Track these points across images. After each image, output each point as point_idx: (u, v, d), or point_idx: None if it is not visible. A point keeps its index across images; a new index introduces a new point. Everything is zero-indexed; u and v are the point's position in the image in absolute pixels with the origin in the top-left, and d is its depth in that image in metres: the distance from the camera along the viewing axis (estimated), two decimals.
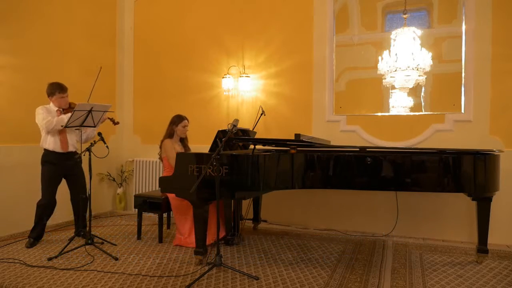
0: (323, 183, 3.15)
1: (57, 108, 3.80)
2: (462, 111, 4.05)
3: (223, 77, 4.92)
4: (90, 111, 3.57)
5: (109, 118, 3.96)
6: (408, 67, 4.01)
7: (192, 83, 5.27)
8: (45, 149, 3.78)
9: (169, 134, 3.97)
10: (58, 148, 3.77)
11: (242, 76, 4.84)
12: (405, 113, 4.27)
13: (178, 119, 3.99)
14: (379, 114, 4.37)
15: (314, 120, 4.60)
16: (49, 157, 3.76)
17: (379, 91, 4.35)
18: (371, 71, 4.34)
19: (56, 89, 3.77)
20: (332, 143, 4.23)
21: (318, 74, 4.59)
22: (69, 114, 3.65)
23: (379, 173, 3.08)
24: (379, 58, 4.25)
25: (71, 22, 4.90)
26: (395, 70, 4.08)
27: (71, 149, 3.84)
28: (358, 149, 3.47)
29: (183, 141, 4.07)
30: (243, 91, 4.92)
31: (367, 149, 3.46)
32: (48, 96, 3.81)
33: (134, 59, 5.73)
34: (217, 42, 5.12)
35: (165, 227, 4.34)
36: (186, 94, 5.31)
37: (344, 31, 4.50)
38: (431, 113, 4.17)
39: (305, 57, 4.64)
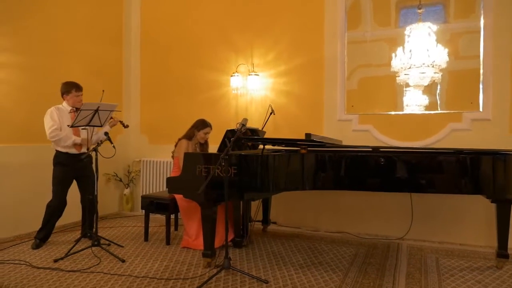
0: (334, 184, 3.12)
1: (70, 108, 3.83)
2: (480, 109, 3.98)
3: (231, 76, 4.92)
4: (96, 111, 3.59)
5: (120, 122, 4.04)
6: (423, 64, 3.97)
7: (200, 82, 5.27)
8: (57, 150, 3.82)
9: (188, 136, 3.97)
10: (71, 150, 3.81)
11: (251, 75, 4.83)
12: (420, 112, 4.22)
13: (201, 125, 3.97)
14: (393, 113, 4.33)
15: (325, 119, 4.58)
16: (61, 158, 3.81)
17: (393, 89, 4.31)
18: (385, 69, 4.30)
19: (73, 87, 3.82)
20: (344, 143, 4.19)
21: (329, 72, 4.56)
22: (78, 138, 3.78)
23: (393, 174, 3.04)
24: (393, 55, 4.22)
25: (76, 19, 4.94)
26: (410, 67, 4.05)
27: (84, 150, 3.88)
28: (371, 149, 3.44)
29: (203, 146, 4.06)
30: (252, 89, 4.91)
31: (380, 149, 3.42)
32: (63, 95, 3.85)
33: (141, 57, 5.76)
34: (225, 40, 5.12)
35: (172, 228, 4.36)
36: (194, 93, 5.31)
37: (356, 27, 4.46)
38: (448, 111, 4.11)
39: (316, 55, 4.62)
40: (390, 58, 4.25)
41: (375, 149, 3.42)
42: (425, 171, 3.02)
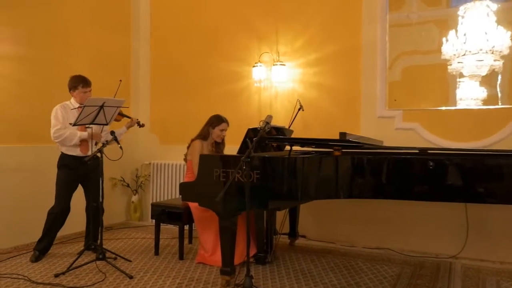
0: (374, 192, 3.08)
1: (78, 105, 3.93)
2: None
3: (253, 66, 4.92)
4: (101, 107, 3.65)
5: (137, 123, 4.19)
6: (481, 50, 3.91)
7: (218, 74, 5.30)
8: (62, 152, 3.92)
9: (203, 136, 3.99)
10: (77, 152, 3.91)
11: (276, 65, 4.82)
12: (476, 107, 4.13)
13: (216, 121, 4.00)
14: (444, 108, 4.26)
15: (363, 116, 4.54)
16: (66, 161, 3.91)
17: (444, 80, 4.25)
18: (434, 56, 4.25)
19: (80, 82, 3.93)
20: (385, 144, 4.14)
21: (367, 60, 4.51)
22: (84, 133, 3.86)
23: (444, 180, 2.97)
24: (444, 39, 4.16)
25: (80, 7, 5.05)
26: (464, 54, 4.00)
27: (91, 152, 3.96)
28: (417, 151, 3.37)
29: (219, 146, 4.09)
30: (277, 82, 4.90)
31: (429, 151, 3.34)
32: (70, 90, 3.96)
33: (151, 47, 5.84)
34: (246, 26, 5.13)
35: (186, 241, 4.38)
36: (211, 87, 5.34)
37: (400, 8, 4.41)
38: (510, 106, 4.00)
39: (352, 41, 4.57)
40: (440, 44, 4.18)
41: (423, 151, 3.34)
42: (483, 178, 2.92)
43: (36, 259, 3.85)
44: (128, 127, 4.24)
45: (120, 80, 3.97)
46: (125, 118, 4.22)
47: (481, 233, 4.03)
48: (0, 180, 4.21)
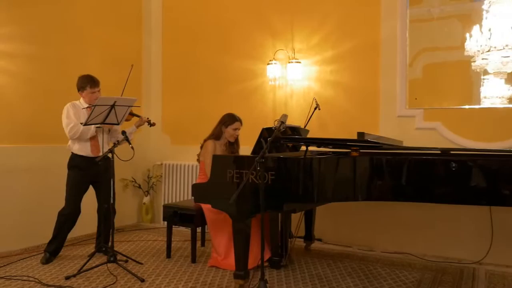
0: (394, 194, 3.07)
1: (87, 105, 4.01)
2: None
3: (268, 64, 4.94)
4: (113, 106, 3.72)
5: (147, 121, 4.22)
6: (506, 45, 3.88)
7: (231, 72, 5.34)
8: (72, 153, 4.01)
9: (215, 135, 4.04)
10: (88, 152, 3.99)
11: (292, 62, 4.84)
12: (501, 106, 4.09)
13: (229, 120, 4.04)
14: (467, 107, 4.23)
15: (382, 115, 4.53)
16: (76, 161, 3.99)
17: (467, 78, 4.22)
18: (456, 52, 4.22)
19: (87, 82, 3.99)
20: (405, 144, 4.13)
21: (386, 57, 4.50)
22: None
23: (467, 182, 2.95)
24: (467, 35, 4.13)
25: (90, 3, 5.14)
26: (489, 50, 3.97)
27: (102, 153, 4.04)
28: (439, 152, 3.35)
29: (233, 145, 4.12)
30: (293, 80, 4.92)
31: (451, 152, 3.34)
32: (78, 91, 4.04)
33: (163, 44, 5.91)
34: (260, 22, 5.16)
35: (199, 244, 4.43)
36: (224, 85, 5.39)
37: (421, 2, 4.39)
38: None
39: (370, 37, 4.57)
40: (464, 39, 4.15)
41: (445, 151, 3.33)
42: (509, 180, 2.89)
43: (46, 261, 3.94)
44: (137, 126, 4.28)
45: (132, 65, 4.00)
46: (135, 117, 4.28)
47: (506, 238, 3.99)
48: (10, 180, 4.31)
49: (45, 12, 4.66)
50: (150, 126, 4.40)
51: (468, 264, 4.01)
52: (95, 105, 3.66)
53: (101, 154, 4.01)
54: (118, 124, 3.95)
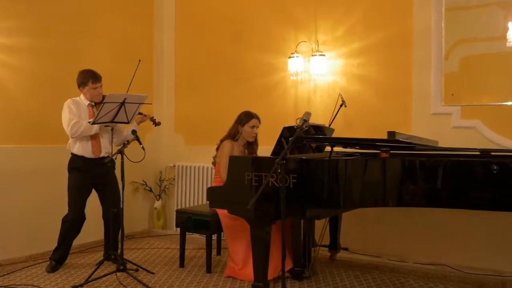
0: (427, 199, 3.06)
1: (88, 102, 4.04)
2: None
3: (289, 57, 4.92)
4: (122, 103, 3.74)
5: (150, 119, 4.20)
6: None
7: (249, 66, 5.33)
8: (72, 154, 4.03)
9: (232, 135, 4.04)
10: (88, 153, 4.01)
11: (315, 55, 4.80)
12: None
13: (245, 117, 4.04)
14: (509, 103, 4.16)
15: (415, 113, 4.49)
16: (76, 163, 4.01)
17: (509, 71, 4.14)
18: (497, 43, 4.15)
19: (89, 77, 4.00)
20: (440, 145, 4.07)
21: (420, 49, 4.45)
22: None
23: (510, 186, 2.90)
24: (509, 24, 4.07)
25: None
26: None
27: (104, 154, 4.07)
28: (478, 153, 3.34)
29: (251, 145, 4.12)
30: (316, 74, 4.88)
31: (492, 153, 3.31)
32: (79, 87, 4.06)
33: (176, 38, 5.93)
34: (281, 12, 5.14)
35: (214, 252, 4.43)
36: (242, 81, 5.38)
37: None
38: None
39: (402, 27, 4.53)
40: (506, 29, 4.10)
41: (485, 152, 3.32)
42: None
43: (52, 269, 3.98)
44: (138, 123, 4.18)
45: (139, 60, 4.02)
46: (139, 115, 4.22)
47: None
48: (14, 184, 4.35)
49: (52, 3, 4.71)
50: (155, 126, 4.33)
51: (509, 277, 3.94)
52: (105, 102, 3.67)
53: (102, 154, 4.02)
54: (128, 122, 3.96)
